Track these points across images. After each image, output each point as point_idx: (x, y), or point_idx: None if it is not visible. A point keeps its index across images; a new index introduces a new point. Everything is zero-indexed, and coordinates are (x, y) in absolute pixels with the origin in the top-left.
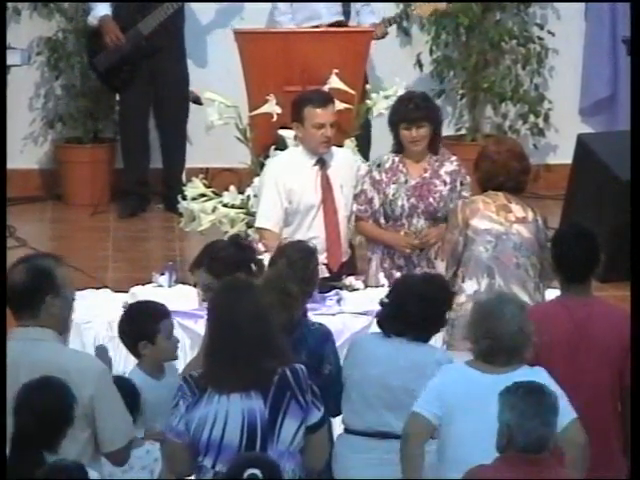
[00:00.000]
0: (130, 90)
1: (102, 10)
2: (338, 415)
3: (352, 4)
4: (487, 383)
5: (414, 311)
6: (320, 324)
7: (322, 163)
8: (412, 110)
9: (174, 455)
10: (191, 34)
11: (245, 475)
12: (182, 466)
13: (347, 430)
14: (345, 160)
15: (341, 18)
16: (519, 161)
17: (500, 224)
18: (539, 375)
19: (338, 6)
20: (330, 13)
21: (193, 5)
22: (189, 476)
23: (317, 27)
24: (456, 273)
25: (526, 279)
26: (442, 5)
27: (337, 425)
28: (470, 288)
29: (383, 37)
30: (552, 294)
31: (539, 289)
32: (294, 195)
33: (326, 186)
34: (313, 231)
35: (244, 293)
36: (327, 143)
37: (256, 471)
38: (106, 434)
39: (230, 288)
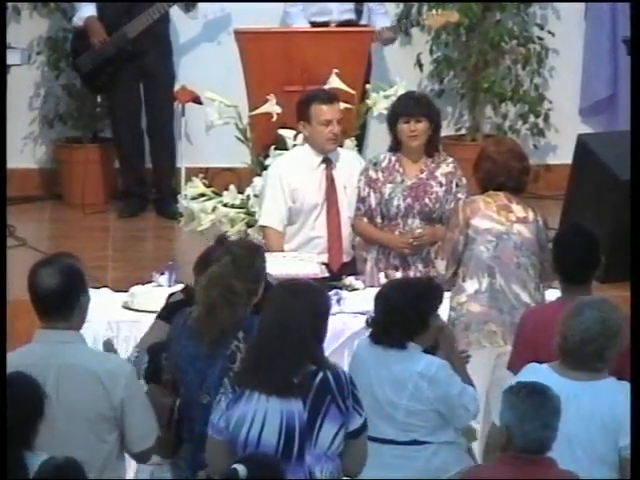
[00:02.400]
0: (119, 92)
1: (87, 11)
2: None
3: (365, 3)
4: (566, 388)
5: (379, 317)
6: None
7: (328, 163)
8: (412, 105)
9: (214, 452)
10: (191, 33)
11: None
12: (222, 463)
13: None
14: (349, 161)
15: (352, 17)
16: (520, 161)
17: (501, 224)
18: (625, 389)
19: (350, 4)
20: (340, 11)
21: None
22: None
23: (327, 23)
24: (457, 272)
25: (527, 279)
26: (454, 17)
27: None
28: (471, 288)
29: (390, 43)
30: (553, 295)
31: (539, 289)
32: (298, 194)
33: (330, 186)
34: (316, 231)
35: (303, 295)
36: (334, 140)
37: (239, 467)
38: (135, 435)
39: (291, 289)
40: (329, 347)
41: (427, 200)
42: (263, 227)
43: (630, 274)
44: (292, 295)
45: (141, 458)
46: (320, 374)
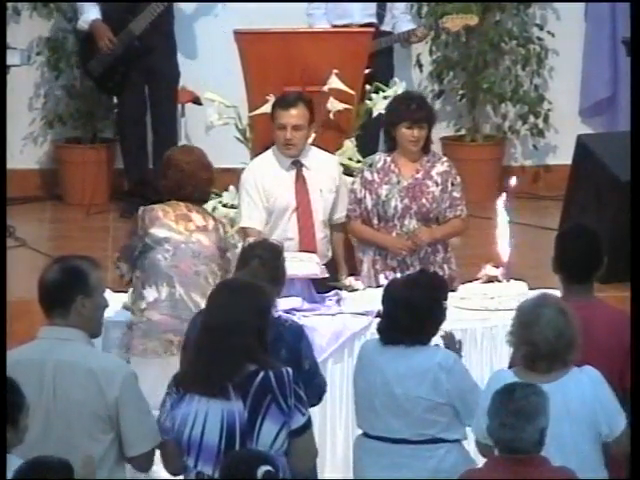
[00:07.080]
0: (127, 91)
1: (92, 15)
2: (318, 404)
3: (388, 9)
4: None
5: (401, 319)
6: (293, 321)
7: (299, 165)
8: (415, 110)
9: (164, 452)
10: (191, 34)
11: (259, 473)
12: (173, 463)
13: (364, 433)
14: (327, 164)
15: (373, 20)
16: (206, 171)
17: (179, 233)
18: (589, 376)
19: (372, 7)
20: (362, 14)
21: (193, 5)
22: (180, 474)
23: (348, 26)
24: (137, 277)
25: (206, 287)
26: (474, 20)
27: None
28: (150, 296)
29: (423, 40)
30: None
31: None
32: (270, 196)
33: (302, 188)
34: (288, 232)
35: (245, 293)
36: (288, 146)
37: (269, 468)
38: (130, 438)
39: (233, 288)
40: (329, 347)
41: (424, 200)
42: (245, 228)
43: (630, 275)
44: (234, 294)
45: (138, 465)
46: (261, 373)
